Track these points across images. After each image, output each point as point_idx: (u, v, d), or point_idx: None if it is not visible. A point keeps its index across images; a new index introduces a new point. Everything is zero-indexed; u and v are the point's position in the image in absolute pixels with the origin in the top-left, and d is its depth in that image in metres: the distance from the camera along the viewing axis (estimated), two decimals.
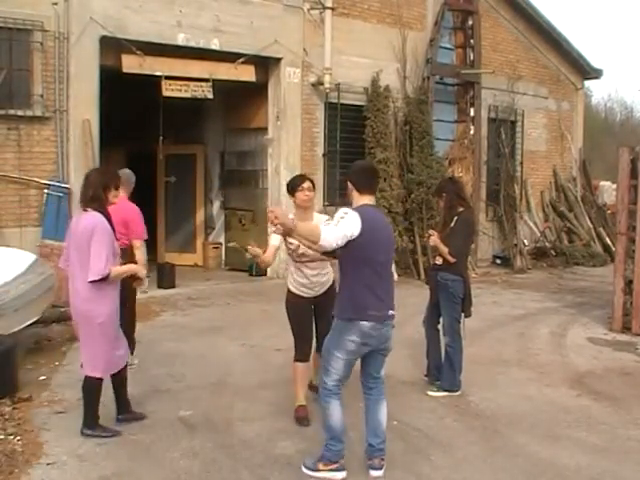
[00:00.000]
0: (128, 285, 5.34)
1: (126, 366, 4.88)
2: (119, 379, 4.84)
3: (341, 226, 3.83)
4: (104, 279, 4.43)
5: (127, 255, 5.52)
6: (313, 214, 5.02)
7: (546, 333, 8.00)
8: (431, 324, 5.86)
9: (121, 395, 4.89)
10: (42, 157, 8.62)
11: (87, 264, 4.43)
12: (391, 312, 4.08)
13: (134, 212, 5.83)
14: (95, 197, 4.56)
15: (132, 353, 5.85)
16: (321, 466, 4.06)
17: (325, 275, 5.05)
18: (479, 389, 5.79)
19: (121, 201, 5.47)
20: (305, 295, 5.05)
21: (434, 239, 5.62)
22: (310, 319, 5.11)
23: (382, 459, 4.13)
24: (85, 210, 4.58)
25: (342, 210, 3.92)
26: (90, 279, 4.41)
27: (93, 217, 4.51)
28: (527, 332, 8.04)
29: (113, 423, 4.79)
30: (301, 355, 5.04)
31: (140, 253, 5.74)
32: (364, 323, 3.92)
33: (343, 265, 4.04)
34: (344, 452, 4.11)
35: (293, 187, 4.98)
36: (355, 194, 4.09)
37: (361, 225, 3.86)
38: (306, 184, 4.94)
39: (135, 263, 5.46)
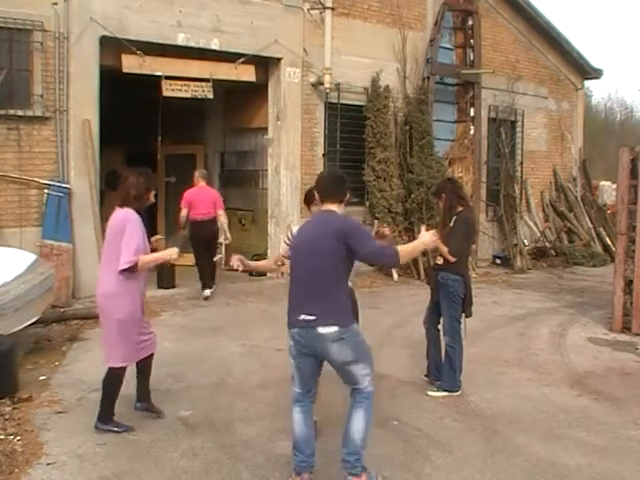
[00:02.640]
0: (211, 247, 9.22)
1: (152, 356, 4.93)
2: (144, 366, 4.92)
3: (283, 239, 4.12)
4: (133, 268, 4.55)
5: (215, 222, 9.25)
6: None
7: (546, 333, 8.00)
8: (431, 324, 5.86)
9: (143, 383, 4.97)
10: (42, 157, 8.62)
11: (114, 257, 4.58)
12: (303, 316, 3.86)
13: (217, 194, 9.68)
14: (137, 197, 4.75)
15: (212, 286, 9.52)
16: (293, 475, 3.97)
17: None
18: (479, 389, 5.79)
19: (206, 188, 9.42)
20: None
21: (434, 239, 5.60)
22: None
23: (350, 474, 3.87)
24: (121, 207, 4.73)
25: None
26: (120, 268, 4.54)
27: (127, 213, 4.68)
28: (527, 332, 8.04)
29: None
30: None
31: (224, 217, 9.35)
32: (292, 330, 3.96)
33: None
34: (308, 467, 3.93)
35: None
36: (319, 203, 4.20)
37: (297, 232, 4.15)
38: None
39: (217, 228, 9.28)
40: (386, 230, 4.87)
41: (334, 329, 3.81)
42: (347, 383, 3.97)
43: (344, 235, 3.84)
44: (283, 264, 4.63)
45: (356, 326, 3.98)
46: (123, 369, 4.76)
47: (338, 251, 3.85)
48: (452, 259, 5.52)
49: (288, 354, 4.01)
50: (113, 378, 4.73)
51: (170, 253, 4.82)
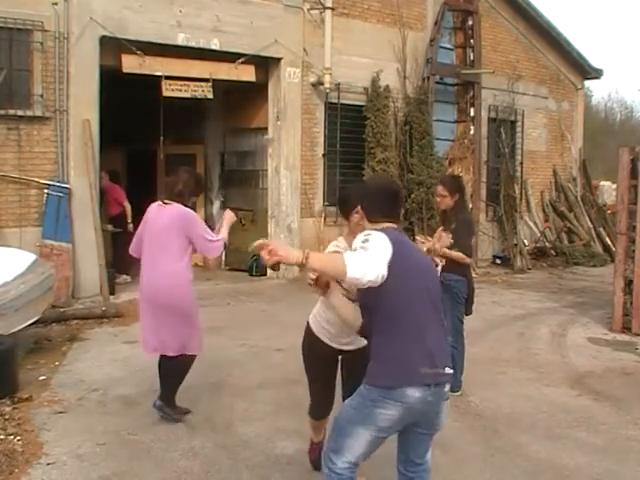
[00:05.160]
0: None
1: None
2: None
3: (372, 249, 2.76)
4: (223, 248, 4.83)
5: (124, 218, 10.30)
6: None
7: (546, 333, 8.00)
8: None
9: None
10: (42, 157, 8.62)
11: (171, 250, 4.71)
12: (448, 370, 2.92)
13: (121, 191, 10.69)
14: (187, 193, 4.85)
15: (129, 274, 9.93)
16: None
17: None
18: (479, 389, 5.79)
19: (110, 183, 10.43)
20: (326, 342, 3.69)
21: (439, 247, 5.47)
22: (333, 373, 3.82)
23: None
24: (166, 203, 4.82)
25: (361, 234, 2.92)
26: (216, 254, 4.83)
27: (180, 208, 4.78)
28: (527, 332, 8.04)
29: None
30: (315, 415, 4.00)
31: (128, 208, 10.39)
32: (410, 390, 2.81)
33: (373, 311, 2.94)
34: None
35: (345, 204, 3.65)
36: (366, 223, 3.10)
37: (392, 248, 2.83)
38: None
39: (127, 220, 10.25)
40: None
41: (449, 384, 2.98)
42: (418, 456, 3.13)
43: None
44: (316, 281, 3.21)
45: None
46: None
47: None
48: (468, 260, 5.50)
49: (367, 425, 2.88)
50: (189, 365, 4.95)
51: (230, 216, 4.99)
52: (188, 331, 4.83)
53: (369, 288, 2.77)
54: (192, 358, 4.95)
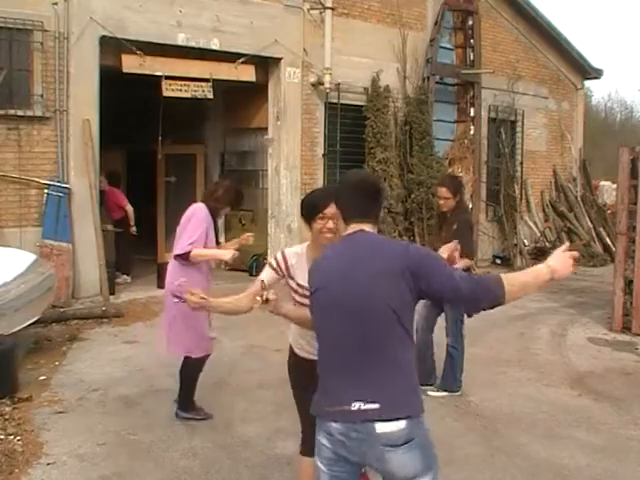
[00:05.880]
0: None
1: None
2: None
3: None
4: (185, 256, 4.62)
5: (127, 220, 10.11)
6: None
7: (546, 333, 8.00)
8: (428, 328, 5.77)
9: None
10: (42, 157, 8.61)
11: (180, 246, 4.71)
12: (358, 405, 2.44)
13: (121, 195, 10.40)
14: (219, 199, 4.88)
15: (129, 274, 10.13)
16: None
17: None
18: (479, 389, 5.79)
19: (109, 187, 10.19)
20: (305, 356, 3.46)
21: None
22: None
23: None
24: (196, 202, 4.90)
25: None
26: (174, 253, 4.68)
27: (198, 206, 4.81)
28: (527, 332, 8.04)
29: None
30: (310, 446, 2.93)
31: (130, 211, 10.22)
32: (330, 423, 2.51)
33: None
34: None
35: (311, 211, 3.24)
36: (342, 224, 2.72)
37: (309, 277, 2.67)
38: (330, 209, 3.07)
39: (130, 222, 10.15)
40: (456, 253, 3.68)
41: (401, 425, 2.42)
42: None
43: (410, 269, 2.45)
44: (266, 301, 3.21)
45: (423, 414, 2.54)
46: (204, 357, 4.90)
47: (401, 296, 2.46)
48: (470, 262, 5.51)
49: (315, 457, 2.62)
50: (195, 367, 4.90)
51: (225, 253, 4.77)
52: (190, 333, 4.80)
53: None
54: (194, 361, 4.91)
